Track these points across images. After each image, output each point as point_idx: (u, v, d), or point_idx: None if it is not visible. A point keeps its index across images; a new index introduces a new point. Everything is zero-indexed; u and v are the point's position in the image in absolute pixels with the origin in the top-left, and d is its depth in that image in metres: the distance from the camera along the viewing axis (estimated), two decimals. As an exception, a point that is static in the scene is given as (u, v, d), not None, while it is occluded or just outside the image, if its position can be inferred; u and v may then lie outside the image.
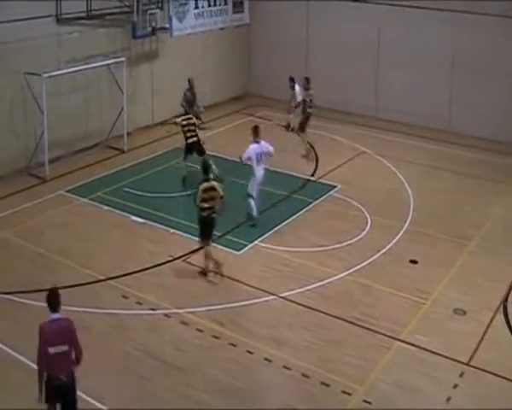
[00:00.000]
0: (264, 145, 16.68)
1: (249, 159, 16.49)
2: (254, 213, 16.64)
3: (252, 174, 16.59)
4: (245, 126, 23.92)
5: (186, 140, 18.95)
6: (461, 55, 23.54)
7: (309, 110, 21.34)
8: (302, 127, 21.57)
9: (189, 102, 22.58)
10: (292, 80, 23.92)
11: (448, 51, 23.75)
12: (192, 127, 19.00)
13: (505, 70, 23.03)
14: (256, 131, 16.71)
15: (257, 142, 16.60)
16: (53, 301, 8.99)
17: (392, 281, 14.42)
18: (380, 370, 11.67)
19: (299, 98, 22.72)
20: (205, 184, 14.13)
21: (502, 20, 22.58)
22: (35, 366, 9.28)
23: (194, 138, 18.94)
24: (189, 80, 22.84)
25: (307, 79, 21.83)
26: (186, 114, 20.27)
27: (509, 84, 22.96)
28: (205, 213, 14.19)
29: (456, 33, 23.47)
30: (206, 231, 14.34)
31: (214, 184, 14.28)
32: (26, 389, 10.70)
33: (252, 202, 16.63)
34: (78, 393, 9.81)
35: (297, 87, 23.52)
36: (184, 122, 19.02)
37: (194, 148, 18.91)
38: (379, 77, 25.43)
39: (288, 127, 23.99)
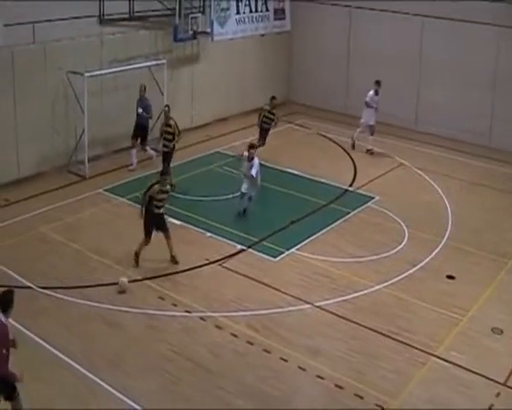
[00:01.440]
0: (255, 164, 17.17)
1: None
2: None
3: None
4: (284, 134, 24.03)
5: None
6: (504, 70, 23.29)
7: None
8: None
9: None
10: (377, 83, 22.58)
11: (491, 66, 23.53)
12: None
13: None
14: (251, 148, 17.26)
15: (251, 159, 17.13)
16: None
17: (429, 296, 14.27)
18: (414, 385, 11.55)
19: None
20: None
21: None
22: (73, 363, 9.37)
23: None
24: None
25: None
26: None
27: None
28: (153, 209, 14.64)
29: (500, 49, 23.25)
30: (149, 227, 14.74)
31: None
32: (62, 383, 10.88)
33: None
34: (113, 391, 9.94)
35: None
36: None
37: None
38: (420, 89, 25.21)
39: (370, 151, 22.80)
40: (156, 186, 14.57)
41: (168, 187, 14.79)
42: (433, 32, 24.61)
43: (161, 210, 14.79)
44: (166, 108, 18.73)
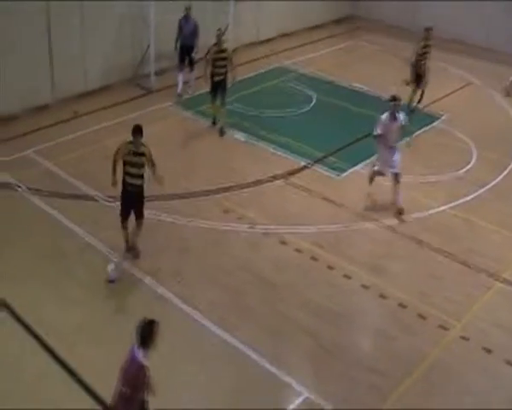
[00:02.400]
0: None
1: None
2: None
3: None
4: (349, 50, 23.52)
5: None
6: None
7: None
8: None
9: (180, 28, 18.99)
10: None
11: None
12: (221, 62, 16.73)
13: None
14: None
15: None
16: None
17: (496, 218, 14.02)
18: (479, 308, 11.46)
19: None
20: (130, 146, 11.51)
21: None
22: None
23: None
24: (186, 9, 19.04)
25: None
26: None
27: None
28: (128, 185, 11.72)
29: None
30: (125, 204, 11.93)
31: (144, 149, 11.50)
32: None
33: None
34: (177, 301, 10.16)
35: None
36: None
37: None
38: (489, 4, 24.22)
39: None
40: (125, 147, 11.56)
41: (143, 149, 11.44)
42: None
43: (139, 181, 11.70)
44: (219, 32, 16.69)
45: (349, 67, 22.09)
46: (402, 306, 11.32)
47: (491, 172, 15.76)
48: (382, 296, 11.53)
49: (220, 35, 16.54)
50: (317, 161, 15.82)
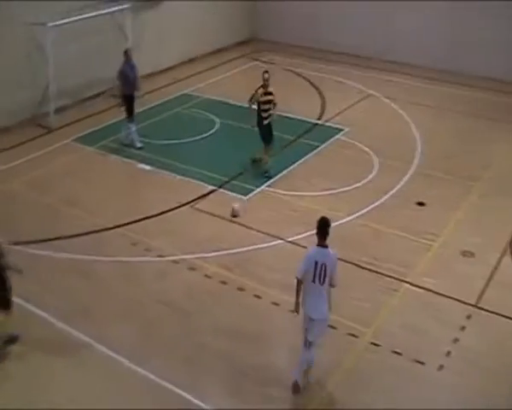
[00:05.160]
0: None
1: None
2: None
3: None
4: (251, 71, 23.82)
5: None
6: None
7: None
8: None
9: (127, 77, 17.51)
10: None
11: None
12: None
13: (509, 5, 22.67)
14: None
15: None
16: None
17: (401, 223, 14.42)
18: (387, 312, 11.75)
19: None
20: None
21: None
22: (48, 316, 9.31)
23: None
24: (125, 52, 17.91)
25: None
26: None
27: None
28: None
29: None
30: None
31: None
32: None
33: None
34: (89, 340, 9.98)
35: None
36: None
37: None
38: (388, 18, 25.01)
39: None
40: None
41: None
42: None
43: None
44: (266, 75, 16.04)
45: (251, 88, 22.26)
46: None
47: (393, 180, 16.20)
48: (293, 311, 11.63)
49: (267, 79, 15.99)
50: (223, 184, 15.93)
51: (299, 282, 9.72)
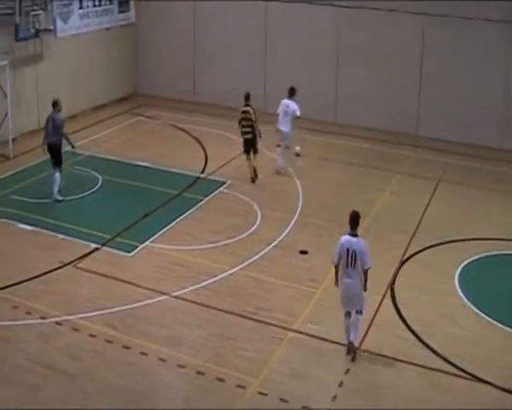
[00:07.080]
0: None
1: None
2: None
3: None
4: (134, 126, 23.88)
5: None
6: (346, 48, 24.35)
7: None
8: None
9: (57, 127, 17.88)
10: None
11: (333, 45, 24.53)
12: None
13: (388, 61, 23.86)
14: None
15: None
16: None
17: (284, 273, 14.70)
18: (274, 361, 11.87)
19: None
20: None
21: (385, 14, 23.45)
22: None
23: None
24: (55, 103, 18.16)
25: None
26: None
27: (391, 75, 23.86)
28: None
29: (342, 29, 24.26)
30: None
31: None
32: None
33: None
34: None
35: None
36: None
37: None
38: (266, 69, 25.83)
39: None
40: None
41: None
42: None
43: None
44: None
45: (133, 144, 22.38)
46: (200, 373, 11.46)
47: (275, 230, 16.53)
48: (180, 366, 11.62)
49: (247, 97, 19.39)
50: (107, 242, 15.78)
51: (336, 267, 11.94)
